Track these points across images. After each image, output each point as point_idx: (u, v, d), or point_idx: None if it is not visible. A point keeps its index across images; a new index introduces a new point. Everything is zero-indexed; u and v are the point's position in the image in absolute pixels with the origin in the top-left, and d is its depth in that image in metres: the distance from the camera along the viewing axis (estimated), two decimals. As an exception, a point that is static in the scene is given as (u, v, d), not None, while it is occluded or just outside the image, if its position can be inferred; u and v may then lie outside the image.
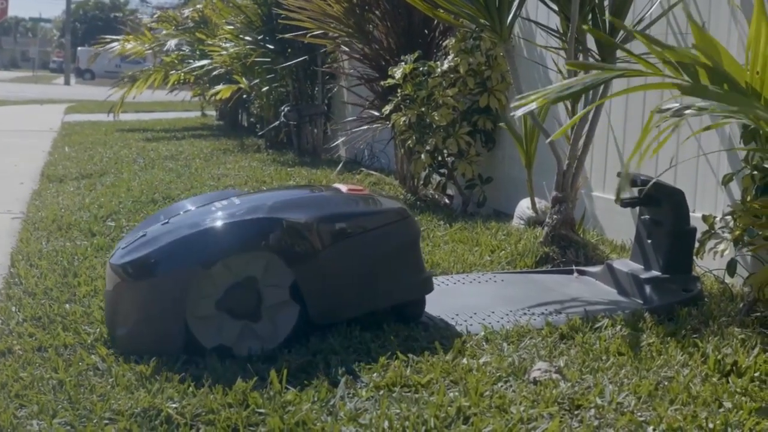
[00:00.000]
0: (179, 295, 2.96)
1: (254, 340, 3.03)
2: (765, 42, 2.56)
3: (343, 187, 3.47)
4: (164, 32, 13.58)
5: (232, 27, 10.05)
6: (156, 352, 2.90)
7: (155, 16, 14.84)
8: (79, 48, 47.00)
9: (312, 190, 3.80)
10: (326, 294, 3.12)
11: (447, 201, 6.21)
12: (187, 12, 12.93)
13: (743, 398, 2.53)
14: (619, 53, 4.15)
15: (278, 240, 3.06)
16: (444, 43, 6.40)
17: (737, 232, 3.33)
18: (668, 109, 2.45)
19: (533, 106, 2.68)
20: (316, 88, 9.82)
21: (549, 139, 3.51)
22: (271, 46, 9.31)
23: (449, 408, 2.47)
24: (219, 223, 3.09)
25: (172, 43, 13.00)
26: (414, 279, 3.32)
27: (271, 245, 3.06)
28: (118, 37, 14.96)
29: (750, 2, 3.79)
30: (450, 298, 3.61)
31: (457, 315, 3.38)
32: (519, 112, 2.79)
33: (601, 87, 4.04)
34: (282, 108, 9.63)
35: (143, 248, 3.07)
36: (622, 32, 4.29)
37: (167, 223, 3.21)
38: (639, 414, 2.45)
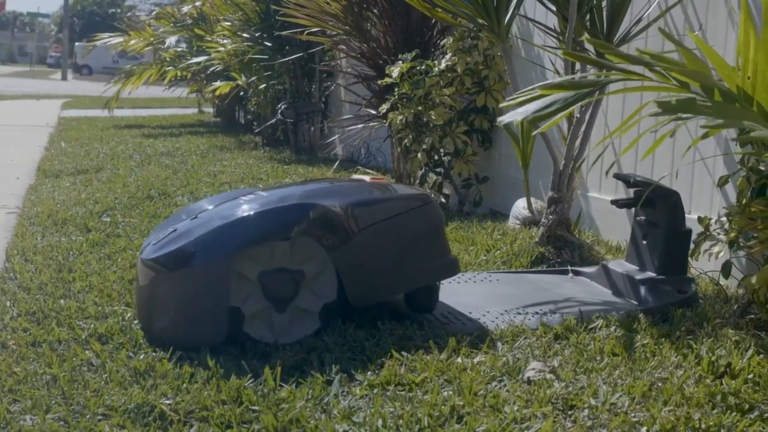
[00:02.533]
0: (220, 284, 3.01)
1: (294, 325, 3.10)
2: (755, 48, 2.58)
3: (367, 178, 3.63)
4: (162, 29, 13.57)
5: (229, 24, 10.04)
6: (198, 343, 2.96)
7: (154, 13, 14.82)
8: (76, 43, 46.92)
9: (338, 181, 3.88)
10: (361, 277, 3.21)
11: (443, 200, 6.21)
12: (185, 9, 12.92)
13: (737, 400, 2.54)
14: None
15: (315, 225, 3.13)
16: (442, 42, 6.40)
17: (732, 234, 3.34)
18: (663, 112, 2.45)
19: (517, 116, 2.69)
20: (314, 86, 9.82)
21: (536, 132, 3.51)
22: (269, 44, 9.30)
23: (443, 407, 2.47)
24: (254, 212, 3.16)
25: (172, 40, 12.99)
26: (440, 261, 3.42)
27: (308, 230, 3.13)
28: (113, 35, 14.94)
29: (747, 3, 3.79)
30: (445, 297, 3.60)
31: (450, 314, 3.39)
32: (505, 119, 2.81)
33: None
34: (279, 105, 9.64)
35: (177, 241, 3.12)
36: (621, 32, 4.30)
37: (196, 218, 3.25)
38: (633, 415, 2.45)
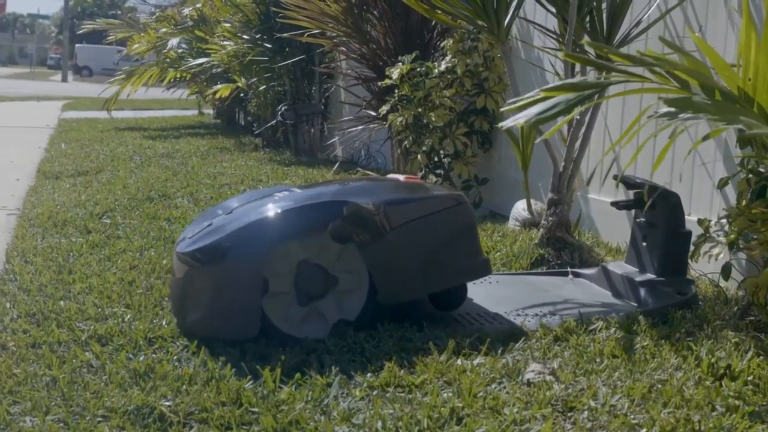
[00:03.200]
0: (253, 279, 3.06)
1: (326, 321, 3.15)
2: (755, 50, 2.58)
3: (401, 177, 3.69)
4: (163, 30, 13.58)
5: (230, 25, 10.05)
6: (232, 337, 3.01)
7: (155, 16, 14.84)
8: (77, 45, 46.95)
9: (372, 179, 3.87)
10: (393, 275, 3.24)
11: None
12: (186, 11, 12.93)
13: (736, 402, 2.53)
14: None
15: (349, 222, 3.17)
16: (441, 44, 6.40)
17: (732, 236, 3.34)
18: (663, 114, 2.45)
19: (519, 119, 2.69)
20: (314, 88, 9.82)
21: (540, 138, 3.52)
22: (269, 45, 9.31)
23: (443, 409, 2.47)
24: (289, 208, 3.21)
25: (173, 41, 13.00)
26: (472, 261, 3.43)
27: (341, 228, 3.17)
28: (112, 21, 14.97)
29: (748, 5, 3.80)
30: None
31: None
32: (507, 123, 2.81)
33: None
34: (279, 107, 9.64)
35: (213, 235, 3.17)
36: (621, 34, 4.30)
37: (231, 213, 3.30)
38: (632, 417, 2.45)
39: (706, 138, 2.53)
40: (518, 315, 3.42)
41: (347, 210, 3.17)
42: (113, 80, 13.60)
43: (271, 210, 3.21)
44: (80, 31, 20.77)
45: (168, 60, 12.94)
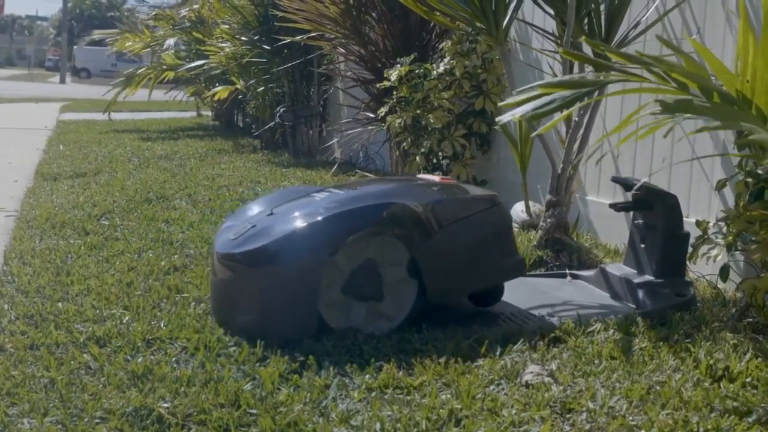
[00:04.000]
0: (309, 281, 3.12)
1: (379, 319, 3.21)
2: (753, 53, 2.59)
3: (436, 178, 3.75)
4: (162, 31, 13.58)
5: (228, 27, 10.04)
6: (288, 336, 3.05)
7: (153, 14, 14.83)
8: (75, 47, 46.94)
9: (408, 179, 3.98)
10: (440, 273, 3.30)
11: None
12: (184, 12, 12.92)
13: (735, 403, 2.53)
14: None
15: (398, 223, 3.23)
16: (440, 46, 6.41)
17: (730, 238, 3.34)
18: (663, 113, 2.45)
19: (516, 113, 2.69)
20: (312, 90, 9.82)
21: (535, 133, 3.53)
22: (268, 47, 9.30)
23: (441, 410, 2.47)
24: (338, 211, 3.25)
25: (170, 42, 13.00)
26: (510, 260, 3.51)
27: (391, 227, 3.23)
28: (112, 31, 14.96)
29: (745, 8, 3.80)
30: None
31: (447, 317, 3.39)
32: (504, 118, 2.81)
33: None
34: (277, 109, 9.64)
35: (260, 238, 3.21)
36: (619, 36, 4.30)
37: (272, 214, 3.35)
38: (630, 418, 2.45)
39: (700, 131, 2.53)
40: (517, 317, 3.42)
41: (399, 211, 3.24)
42: (114, 83, 13.59)
43: (321, 212, 3.25)
44: (85, 45, 20.81)
45: (164, 66, 12.92)
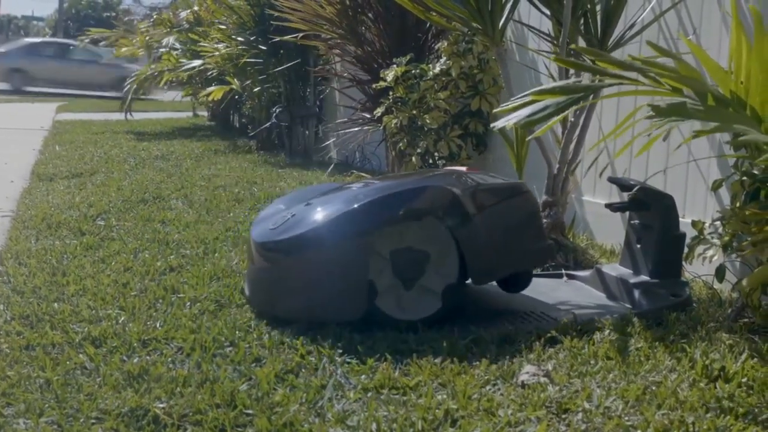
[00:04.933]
0: (357, 263, 3.21)
1: (433, 294, 3.32)
2: (747, 54, 2.59)
3: (464, 168, 3.87)
4: (159, 32, 13.59)
5: (224, 27, 10.03)
6: (335, 320, 3.17)
7: (152, 20, 14.83)
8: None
9: (441, 171, 4.08)
10: (480, 257, 3.39)
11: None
12: (183, 14, 12.91)
13: (731, 404, 2.54)
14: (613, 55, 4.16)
15: (440, 206, 3.32)
16: (436, 46, 6.41)
17: (726, 238, 3.34)
18: (657, 113, 2.46)
19: (510, 120, 2.70)
20: (308, 90, 9.81)
21: (531, 137, 3.54)
22: (264, 47, 9.29)
23: (437, 411, 2.47)
24: (378, 196, 3.37)
25: (170, 39, 12.99)
26: (540, 245, 3.63)
27: (434, 212, 3.32)
28: (107, 31, 14.98)
29: (742, 9, 3.80)
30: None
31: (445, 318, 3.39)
32: (499, 124, 2.82)
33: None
34: (274, 109, 9.63)
35: (302, 225, 3.32)
36: (615, 36, 4.30)
37: (309, 204, 3.45)
38: (626, 418, 2.45)
39: (696, 136, 2.53)
40: (514, 317, 3.43)
41: (440, 195, 3.34)
42: (130, 81, 13.60)
43: (360, 199, 3.35)
44: (81, 45, 20.87)
45: (165, 68, 12.91)
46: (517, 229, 3.56)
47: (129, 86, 13.45)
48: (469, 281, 3.46)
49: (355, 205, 3.31)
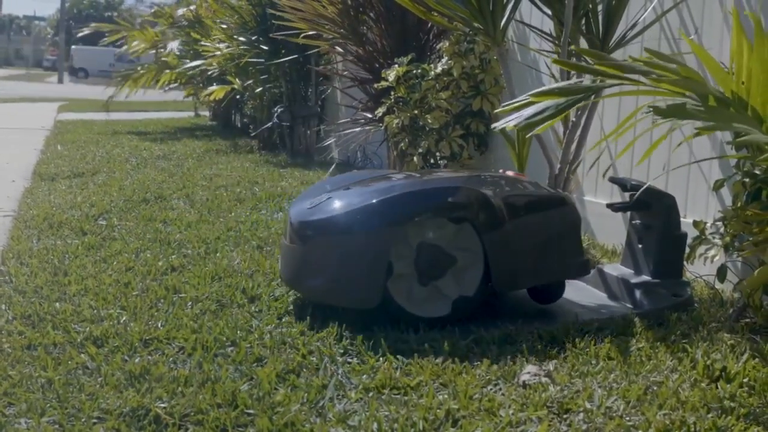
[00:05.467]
0: (379, 253, 3.23)
1: (447, 299, 3.30)
2: (748, 55, 2.59)
3: (510, 172, 3.87)
4: (158, 28, 13.59)
5: (226, 27, 10.03)
6: (352, 305, 3.24)
7: (152, 11, 14.85)
8: (73, 46, 46.87)
9: (485, 173, 4.10)
10: (507, 263, 3.39)
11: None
12: (181, 11, 12.92)
13: (732, 404, 2.54)
14: (614, 55, 4.16)
15: (471, 208, 3.31)
16: (438, 46, 6.41)
17: (728, 238, 3.34)
18: (658, 114, 2.46)
19: (510, 121, 2.70)
20: (310, 90, 9.81)
21: (531, 133, 3.54)
22: (265, 47, 9.29)
23: (438, 410, 2.47)
24: (415, 189, 3.39)
25: (174, 44, 13.02)
26: (576, 260, 3.57)
27: (464, 212, 3.32)
28: (110, 25, 15.00)
29: (743, 10, 3.80)
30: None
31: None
32: (499, 125, 2.82)
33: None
34: (275, 109, 9.63)
35: (335, 208, 3.36)
36: (617, 36, 4.30)
37: (348, 189, 3.49)
38: (628, 418, 2.45)
39: (696, 135, 2.53)
40: (515, 317, 3.42)
41: (474, 197, 3.32)
42: (115, 81, 13.59)
43: (395, 190, 3.37)
44: (79, 34, 20.85)
45: (166, 61, 12.92)
46: (553, 240, 3.51)
47: (117, 83, 13.44)
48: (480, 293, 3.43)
49: (384, 197, 3.34)
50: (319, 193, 3.58)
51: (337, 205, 3.38)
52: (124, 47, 14.99)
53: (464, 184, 3.45)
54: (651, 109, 2.47)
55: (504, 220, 3.34)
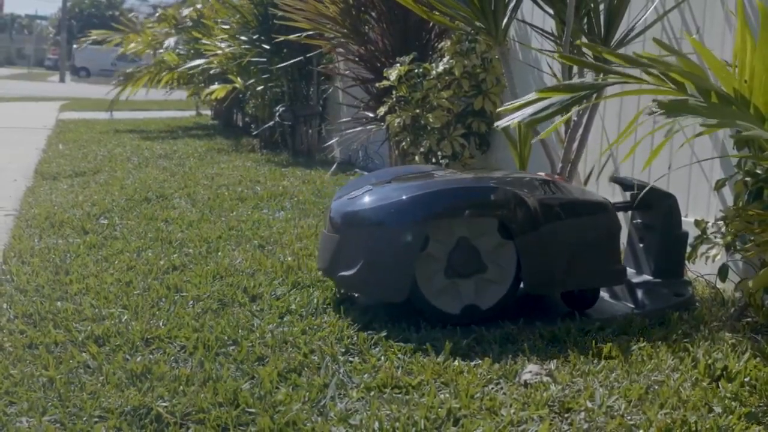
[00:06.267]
0: (411, 247, 3.24)
1: (459, 300, 3.33)
2: (751, 52, 2.59)
3: (550, 177, 3.83)
4: (164, 30, 13.59)
5: (228, 26, 10.04)
6: (380, 297, 3.29)
7: (157, 15, 14.84)
8: (74, 46, 46.92)
9: (521, 174, 4.07)
10: (540, 266, 3.38)
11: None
12: (185, 11, 12.92)
13: (733, 403, 2.54)
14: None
15: (507, 208, 3.31)
16: (439, 45, 6.41)
17: (729, 238, 3.34)
18: (658, 112, 2.46)
19: (514, 119, 2.70)
20: (311, 89, 9.81)
21: (537, 138, 3.54)
22: (267, 46, 9.30)
23: (440, 410, 2.47)
24: (452, 186, 3.41)
25: (171, 41, 12.99)
26: (612, 268, 3.53)
27: (499, 212, 3.33)
28: (110, 32, 14.99)
29: (746, 8, 3.80)
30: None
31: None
32: (503, 123, 2.83)
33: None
34: (277, 108, 9.63)
35: (372, 200, 3.39)
36: (618, 36, 4.30)
37: (390, 182, 3.52)
38: (629, 418, 2.45)
39: (700, 134, 2.53)
40: (516, 316, 3.42)
41: (511, 198, 3.31)
42: (115, 82, 13.58)
43: (434, 186, 3.37)
44: (82, 46, 20.86)
45: (166, 59, 12.91)
46: (589, 246, 3.47)
47: (117, 84, 13.44)
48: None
49: (422, 192, 3.35)
50: (363, 184, 3.61)
51: (375, 197, 3.41)
52: (123, 50, 15.01)
53: (499, 185, 3.42)
54: (655, 102, 2.47)
55: (539, 222, 3.33)
